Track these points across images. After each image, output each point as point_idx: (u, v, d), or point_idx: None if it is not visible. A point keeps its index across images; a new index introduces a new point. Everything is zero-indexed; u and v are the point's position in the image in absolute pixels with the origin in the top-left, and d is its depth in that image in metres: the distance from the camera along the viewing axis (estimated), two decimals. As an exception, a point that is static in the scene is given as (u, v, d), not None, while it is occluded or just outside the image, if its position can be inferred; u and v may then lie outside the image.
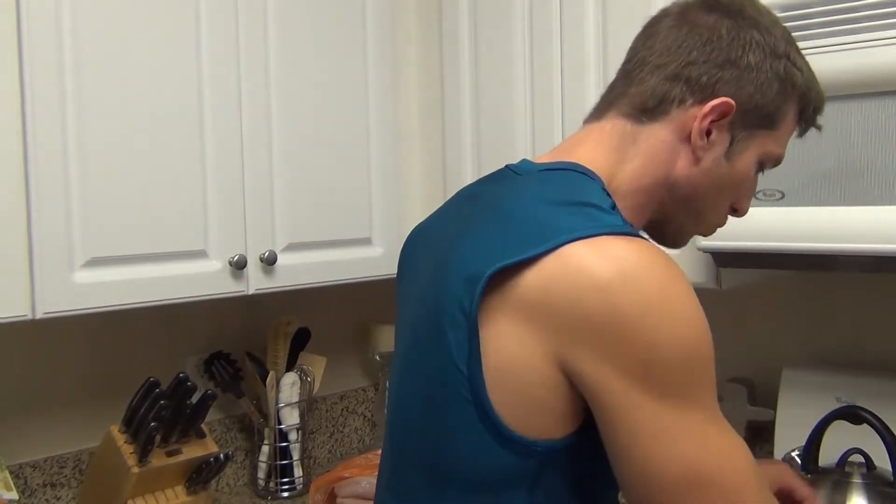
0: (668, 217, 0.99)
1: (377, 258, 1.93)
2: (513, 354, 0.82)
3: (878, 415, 1.42)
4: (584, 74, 1.72)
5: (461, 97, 1.94)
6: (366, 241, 1.92)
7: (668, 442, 0.79)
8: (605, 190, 0.92)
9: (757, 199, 1.41)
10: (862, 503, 1.39)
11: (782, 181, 1.39)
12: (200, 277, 1.62)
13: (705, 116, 0.92)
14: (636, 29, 1.03)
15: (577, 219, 0.84)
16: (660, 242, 1.02)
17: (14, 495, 1.53)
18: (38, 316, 1.41)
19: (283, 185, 1.76)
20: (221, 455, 1.71)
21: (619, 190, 0.94)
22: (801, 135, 1.04)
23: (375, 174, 1.93)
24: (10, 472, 1.60)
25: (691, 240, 1.06)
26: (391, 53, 1.96)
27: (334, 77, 1.85)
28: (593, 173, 0.93)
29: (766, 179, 1.40)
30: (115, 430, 1.66)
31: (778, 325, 1.87)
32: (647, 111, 0.94)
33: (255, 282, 1.71)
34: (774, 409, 1.78)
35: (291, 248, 1.77)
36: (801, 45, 1.00)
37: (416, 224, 1.10)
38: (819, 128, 1.03)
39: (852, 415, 1.44)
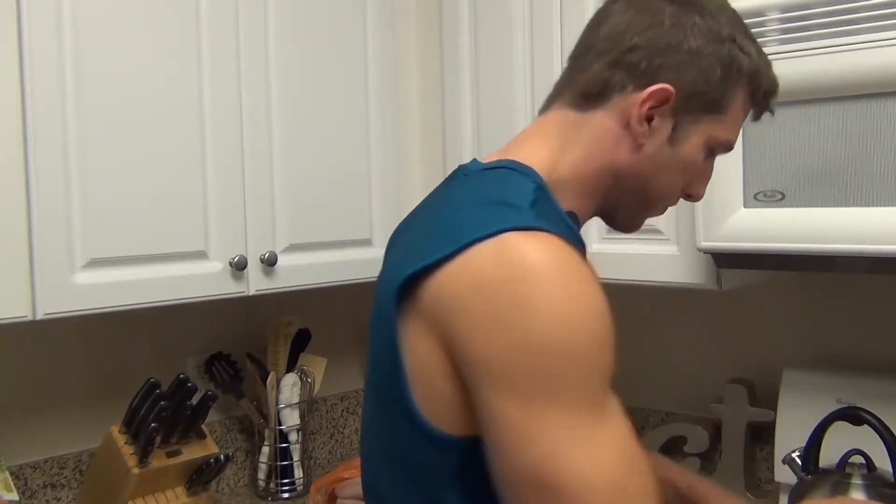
0: (617, 203, 1.00)
1: (377, 259, 1.87)
2: (422, 354, 0.84)
3: (879, 416, 1.42)
4: (584, 75, 1.71)
5: (461, 97, 1.93)
6: (366, 242, 1.92)
7: (520, 444, 0.78)
8: (539, 185, 0.91)
9: (757, 199, 1.41)
10: (862, 504, 1.39)
11: (782, 182, 1.39)
12: (201, 278, 1.62)
13: (644, 103, 0.92)
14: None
15: (486, 218, 0.84)
16: (612, 227, 1.04)
17: (14, 496, 1.53)
18: (39, 317, 1.41)
19: (284, 185, 1.75)
20: (222, 456, 1.71)
21: (563, 179, 0.95)
22: (755, 118, 1.02)
23: (375, 174, 1.93)
24: (11, 473, 1.60)
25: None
26: (391, 53, 1.96)
27: (334, 77, 1.85)
28: (528, 169, 0.93)
29: (766, 180, 1.40)
30: (116, 431, 1.66)
31: (778, 326, 1.87)
32: (590, 98, 0.95)
33: (256, 283, 1.71)
34: (775, 409, 1.78)
35: (292, 248, 1.77)
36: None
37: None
38: (772, 112, 1.02)
39: (853, 416, 1.44)
